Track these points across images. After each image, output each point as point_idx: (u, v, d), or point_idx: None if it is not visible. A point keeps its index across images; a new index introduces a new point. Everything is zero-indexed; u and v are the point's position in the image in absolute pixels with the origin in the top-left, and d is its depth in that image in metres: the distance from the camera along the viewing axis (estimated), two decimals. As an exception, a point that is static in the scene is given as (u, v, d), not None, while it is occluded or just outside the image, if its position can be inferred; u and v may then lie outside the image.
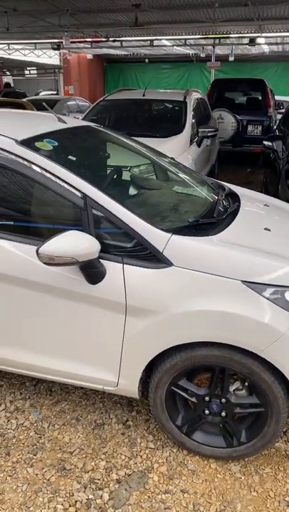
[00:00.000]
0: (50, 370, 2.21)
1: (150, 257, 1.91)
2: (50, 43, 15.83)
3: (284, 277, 1.89)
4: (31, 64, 17.57)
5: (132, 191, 2.67)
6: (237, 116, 8.56)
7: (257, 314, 1.83)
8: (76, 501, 1.96)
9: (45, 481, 2.06)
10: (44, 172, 2.00)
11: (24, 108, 7.24)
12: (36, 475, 2.09)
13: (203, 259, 1.89)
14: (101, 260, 1.90)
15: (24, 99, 10.15)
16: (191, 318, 1.87)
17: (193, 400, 2.08)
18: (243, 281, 1.85)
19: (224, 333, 1.86)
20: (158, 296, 1.89)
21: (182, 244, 1.93)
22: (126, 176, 2.89)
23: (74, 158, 2.43)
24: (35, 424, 2.38)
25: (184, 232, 1.99)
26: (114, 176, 2.87)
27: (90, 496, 1.98)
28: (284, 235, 2.34)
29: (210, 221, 2.18)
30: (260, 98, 9.30)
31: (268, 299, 1.84)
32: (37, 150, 2.08)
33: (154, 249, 1.90)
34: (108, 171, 2.91)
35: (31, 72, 18.27)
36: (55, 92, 18.68)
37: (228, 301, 1.85)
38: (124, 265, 1.92)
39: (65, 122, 2.65)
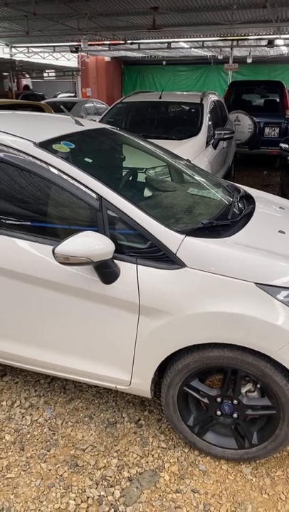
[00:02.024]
0: (63, 367, 2.25)
1: (164, 258, 1.93)
2: (69, 45, 16.06)
3: None
4: (50, 66, 17.80)
5: (147, 193, 2.70)
6: (254, 119, 8.53)
7: (270, 316, 1.83)
8: (88, 497, 1.99)
9: (58, 476, 2.10)
10: (61, 174, 2.04)
11: (42, 110, 7.33)
12: (49, 470, 2.13)
13: (216, 261, 1.90)
14: (115, 260, 1.93)
15: (42, 102, 10.30)
16: (203, 320, 1.88)
17: (205, 400, 2.09)
18: (257, 284, 1.86)
19: (236, 334, 1.86)
20: (171, 296, 1.91)
21: (195, 245, 1.94)
22: (141, 177, 2.92)
23: (90, 160, 2.47)
24: (49, 421, 2.42)
25: (198, 234, 2.01)
26: (130, 178, 2.90)
27: (102, 493, 2.01)
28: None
29: (224, 223, 2.19)
30: (277, 100, 9.25)
31: (281, 301, 1.84)
32: (54, 152, 2.13)
33: (168, 250, 1.92)
34: (124, 173, 2.94)
35: (50, 74, 18.51)
36: (73, 94, 18.86)
37: (240, 303, 1.85)
38: (138, 266, 1.95)
39: (82, 125, 2.69)
